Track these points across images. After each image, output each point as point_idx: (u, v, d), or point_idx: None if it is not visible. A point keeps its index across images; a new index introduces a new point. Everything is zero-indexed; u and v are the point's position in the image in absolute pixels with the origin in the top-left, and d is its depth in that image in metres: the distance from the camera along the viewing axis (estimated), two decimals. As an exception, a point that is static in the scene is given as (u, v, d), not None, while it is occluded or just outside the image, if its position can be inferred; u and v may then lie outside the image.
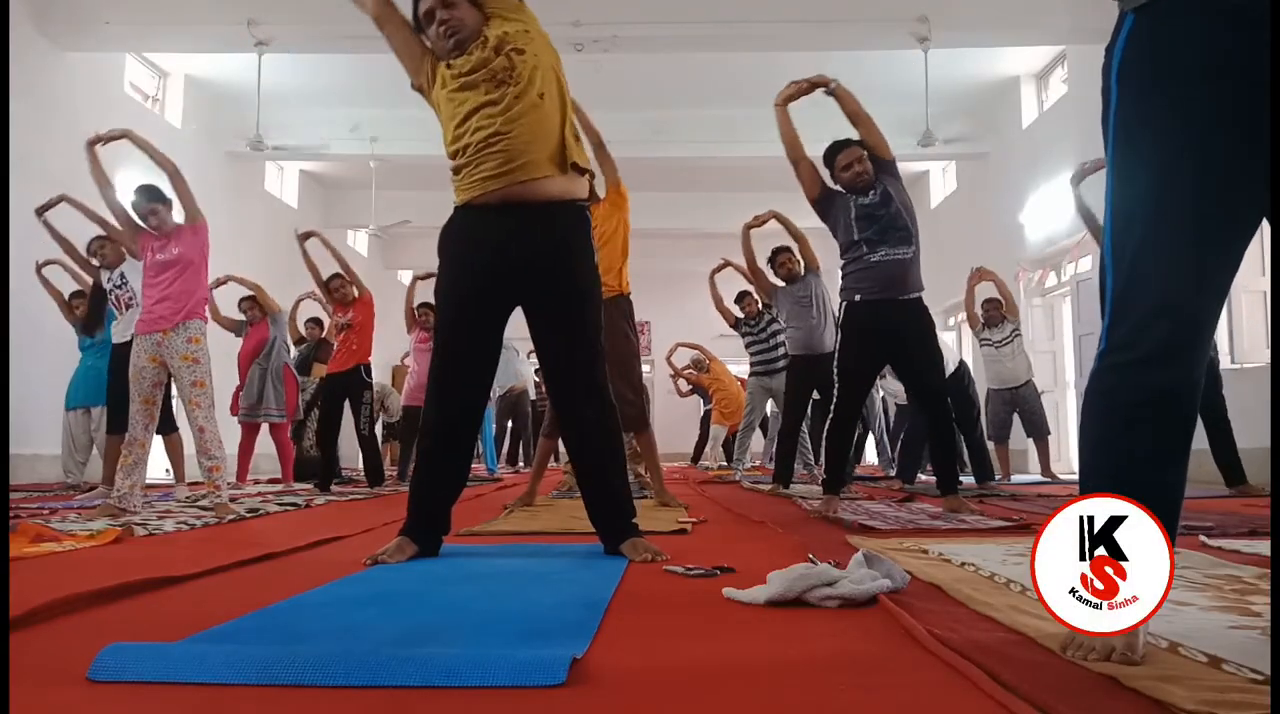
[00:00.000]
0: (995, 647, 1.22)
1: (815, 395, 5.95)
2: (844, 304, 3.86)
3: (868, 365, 3.90)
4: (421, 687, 1.07)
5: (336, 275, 6.29)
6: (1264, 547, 2.38)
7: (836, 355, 3.89)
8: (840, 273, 3.92)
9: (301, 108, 10.25)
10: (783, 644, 1.33)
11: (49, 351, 6.63)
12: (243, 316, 6.86)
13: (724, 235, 14.05)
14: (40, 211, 5.08)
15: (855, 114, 3.77)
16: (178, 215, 3.97)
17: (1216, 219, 1.20)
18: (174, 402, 5.13)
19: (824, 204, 3.82)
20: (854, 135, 3.86)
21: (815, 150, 3.85)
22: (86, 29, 7.56)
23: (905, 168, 10.57)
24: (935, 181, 12.40)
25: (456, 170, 2.36)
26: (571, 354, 2.38)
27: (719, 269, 6.63)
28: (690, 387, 11.39)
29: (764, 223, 5.48)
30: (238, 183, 10.31)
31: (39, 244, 6.80)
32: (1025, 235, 9.66)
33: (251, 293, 6.72)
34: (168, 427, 5.28)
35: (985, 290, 6.90)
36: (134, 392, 3.81)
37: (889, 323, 3.71)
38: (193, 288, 3.89)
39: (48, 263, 5.90)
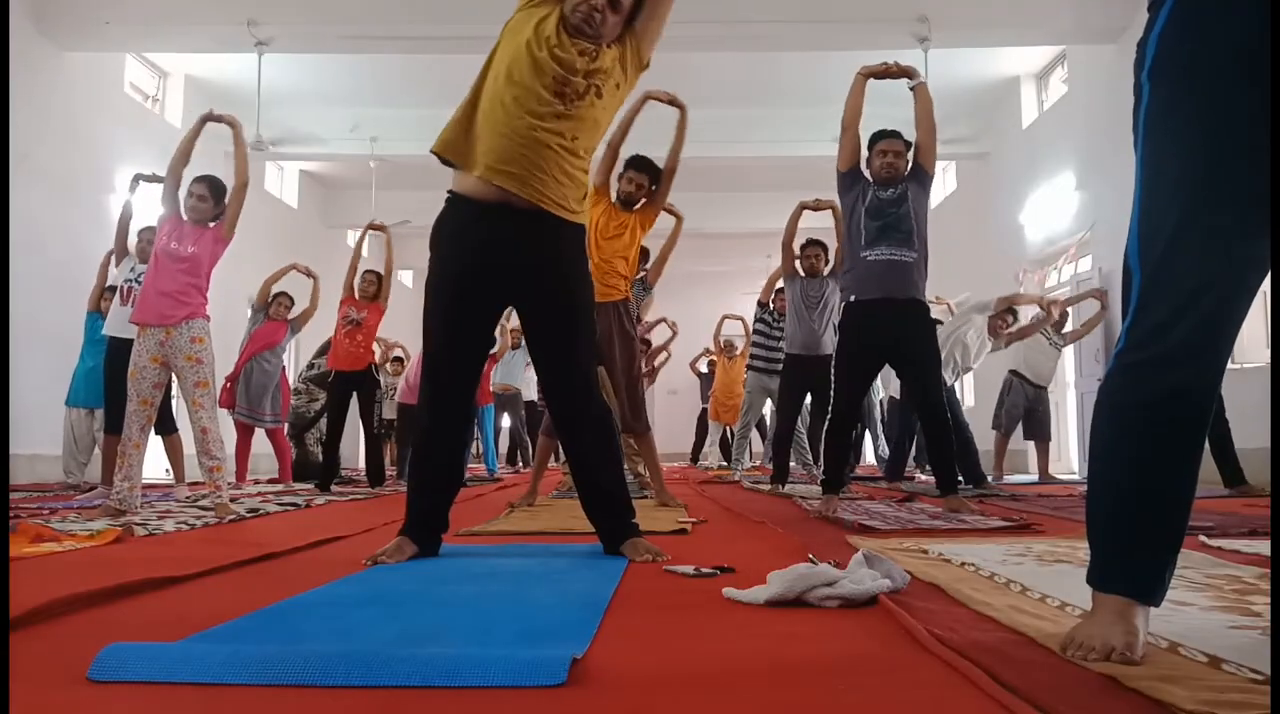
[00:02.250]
0: (995, 647, 1.22)
1: (810, 397, 5.97)
2: (843, 304, 3.87)
3: (866, 366, 3.91)
4: (421, 687, 1.07)
5: (372, 271, 6.36)
6: (1264, 547, 2.38)
7: (834, 356, 3.90)
8: (841, 273, 3.94)
9: (301, 108, 10.25)
10: (783, 644, 1.33)
11: (47, 351, 6.64)
12: (262, 307, 6.79)
13: (725, 235, 14.14)
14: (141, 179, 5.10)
15: (926, 117, 3.81)
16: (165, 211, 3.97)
17: (1249, 219, 1.18)
18: (174, 401, 5.13)
19: (849, 179, 3.85)
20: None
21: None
22: (86, 29, 7.56)
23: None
24: (935, 181, 12.35)
25: (466, 119, 2.25)
26: (566, 357, 2.37)
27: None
28: (707, 365, 11.34)
29: (820, 209, 5.38)
30: (238, 183, 10.30)
31: (39, 244, 6.83)
32: (1025, 235, 9.65)
33: (285, 291, 6.76)
34: (168, 427, 5.28)
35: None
36: (132, 391, 3.77)
37: (887, 324, 3.71)
38: (196, 289, 3.87)
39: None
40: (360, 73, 9.53)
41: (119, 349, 4.64)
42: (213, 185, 3.94)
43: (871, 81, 3.81)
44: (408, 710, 1.01)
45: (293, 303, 6.83)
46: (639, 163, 4.14)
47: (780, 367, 6.16)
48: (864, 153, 3.92)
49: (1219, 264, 1.18)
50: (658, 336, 9.81)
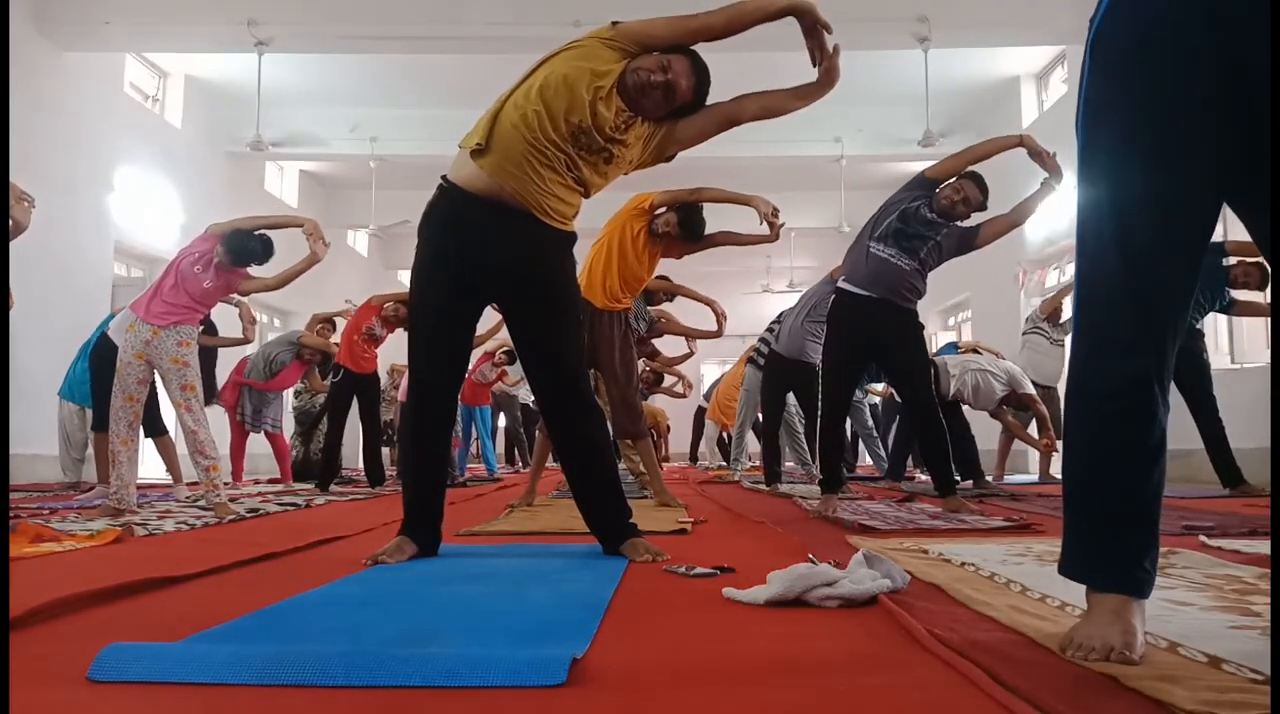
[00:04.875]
0: (995, 647, 1.22)
1: (795, 398, 6.03)
2: (834, 294, 3.85)
3: (855, 358, 3.89)
4: (421, 687, 1.07)
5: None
6: (1264, 546, 2.38)
7: (823, 350, 3.91)
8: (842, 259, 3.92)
9: (301, 108, 10.25)
10: (783, 644, 1.33)
11: (48, 352, 6.64)
12: (292, 345, 6.84)
13: (724, 235, 14.13)
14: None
15: (1025, 212, 3.78)
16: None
17: (1181, 208, 1.19)
18: (162, 404, 5.14)
19: (923, 184, 3.78)
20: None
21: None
22: (86, 29, 7.56)
23: (905, 168, 10.63)
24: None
25: (498, 110, 2.24)
26: (556, 357, 2.37)
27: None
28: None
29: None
30: (238, 183, 10.32)
31: (39, 245, 6.81)
32: (1025, 235, 9.64)
33: (324, 349, 6.83)
34: (158, 429, 5.28)
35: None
36: (118, 387, 3.79)
37: (877, 320, 3.70)
38: (196, 313, 3.92)
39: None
40: (360, 73, 9.53)
41: (111, 350, 4.66)
42: (235, 254, 3.89)
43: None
44: (408, 710, 1.01)
45: (325, 362, 6.89)
46: (689, 220, 4.05)
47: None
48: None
49: (1156, 252, 1.19)
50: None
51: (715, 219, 4.24)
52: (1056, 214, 8.94)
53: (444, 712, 1.01)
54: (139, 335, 3.80)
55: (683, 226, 4.05)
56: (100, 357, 4.96)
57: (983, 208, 3.79)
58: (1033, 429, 6.45)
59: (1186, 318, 1.23)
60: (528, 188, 2.23)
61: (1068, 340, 6.99)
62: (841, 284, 3.80)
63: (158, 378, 3.96)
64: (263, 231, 4.00)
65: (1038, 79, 9.83)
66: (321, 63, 9.33)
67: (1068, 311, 6.99)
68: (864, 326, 3.72)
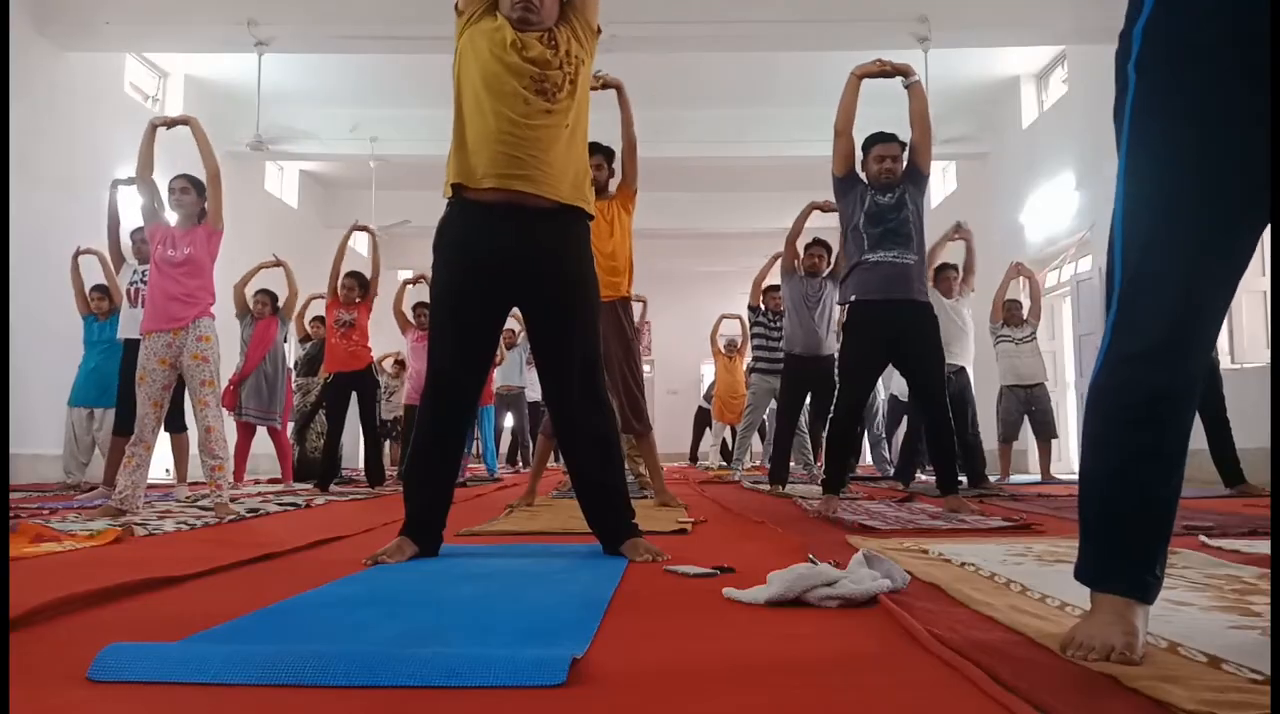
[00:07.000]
0: (995, 647, 1.22)
1: (810, 397, 5.99)
2: (846, 306, 3.86)
3: (870, 365, 3.91)
4: (421, 687, 1.07)
5: (351, 276, 6.22)
6: (1264, 547, 2.38)
7: (839, 355, 3.90)
8: (841, 276, 3.93)
9: (301, 108, 10.25)
10: (783, 644, 1.33)
11: (50, 351, 6.64)
12: (245, 312, 6.71)
13: (722, 235, 14.15)
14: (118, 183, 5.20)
15: (921, 117, 3.76)
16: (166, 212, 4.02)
17: (1228, 217, 1.18)
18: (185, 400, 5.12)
19: (845, 184, 3.82)
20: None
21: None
22: (86, 29, 7.56)
23: (905, 168, 10.65)
24: (935, 182, 12.37)
25: (459, 142, 2.28)
26: (569, 356, 2.37)
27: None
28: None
29: (830, 210, 4.45)
30: (238, 183, 10.26)
31: (40, 245, 6.82)
32: (1025, 236, 9.65)
33: (264, 289, 6.66)
34: (178, 425, 5.26)
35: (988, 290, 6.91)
36: (143, 395, 3.79)
37: (891, 324, 3.71)
38: (203, 289, 3.91)
39: (87, 251, 5.92)
40: (360, 73, 9.53)
41: (133, 351, 4.64)
42: (191, 177, 4.00)
43: (875, 80, 3.78)
44: (408, 710, 1.01)
45: (273, 298, 6.70)
46: (596, 147, 3.96)
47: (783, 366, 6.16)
48: (859, 155, 3.89)
49: (1201, 265, 1.18)
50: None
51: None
52: (1057, 215, 8.96)
53: (444, 712, 1.01)
54: (159, 340, 3.80)
55: (598, 153, 3.97)
56: (130, 359, 4.94)
57: (903, 145, 3.84)
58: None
59: (1219, 329, 1.23)
60: (540, 183, 2.24)
61: (1039, 334, 7.04)
62: (856, 298, 3.79)
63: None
64: (152, 183, 4.05)
65: (1038, 79, 9.84)
66: (321, 63, 9.33)
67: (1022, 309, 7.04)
68: (884, 332, 3.73)
